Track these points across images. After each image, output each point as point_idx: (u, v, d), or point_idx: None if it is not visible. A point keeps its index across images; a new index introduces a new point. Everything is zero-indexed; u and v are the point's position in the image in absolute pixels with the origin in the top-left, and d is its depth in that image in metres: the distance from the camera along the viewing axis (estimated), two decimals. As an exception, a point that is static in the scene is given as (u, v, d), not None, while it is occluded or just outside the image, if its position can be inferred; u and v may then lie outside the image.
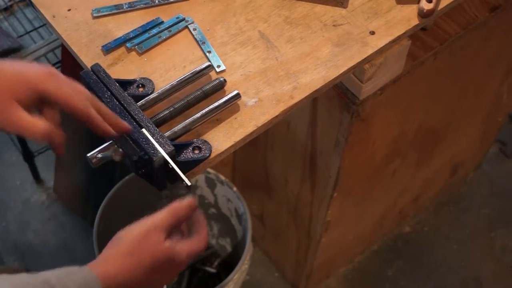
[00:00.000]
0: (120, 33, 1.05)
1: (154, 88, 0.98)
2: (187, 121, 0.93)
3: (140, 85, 0.97)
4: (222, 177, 1.66)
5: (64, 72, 1.82)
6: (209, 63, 1.00)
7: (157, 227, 0.81)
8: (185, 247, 0.84)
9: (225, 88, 0.99)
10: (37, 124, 0.75)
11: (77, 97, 0.78)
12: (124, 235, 0.81)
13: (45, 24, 1.65)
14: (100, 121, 0.81)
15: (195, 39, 1.05)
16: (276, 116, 0.97)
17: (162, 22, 1.07)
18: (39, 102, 0.77)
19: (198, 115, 0.94)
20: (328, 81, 1.01)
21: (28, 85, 0.75)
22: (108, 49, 1.03)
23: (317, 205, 1.54)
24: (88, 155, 0.87)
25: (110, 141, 0.89)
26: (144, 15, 1.08)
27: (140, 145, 0.87)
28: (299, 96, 0.99)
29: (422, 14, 1.08)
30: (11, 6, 2.24)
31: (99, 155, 0.87)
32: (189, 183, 0.87)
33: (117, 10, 1.08)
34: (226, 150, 0.94)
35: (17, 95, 0.74)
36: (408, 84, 1.28)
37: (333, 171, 1.38)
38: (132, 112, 0.90)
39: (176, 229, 0.85)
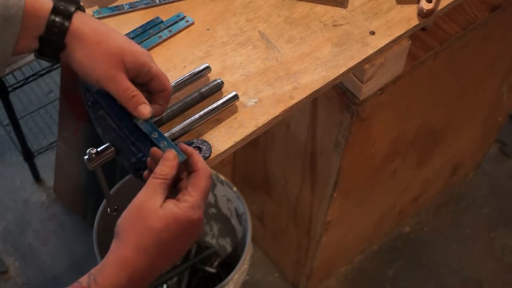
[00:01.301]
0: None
1: (154, 89, 0.98)
2: (186, 121, 0.93)
3: (140, 86, 0.97)
4: (222, 177, 1.66)
5: (64, 72, 1.81)
6: (207, 64, 1.00)
7: (147, 196, 0.78)
8: (187, 200, 0.79)
9: (225, 88, 0.99)
10: (132, 91, 0.86)
11: (166, 76, 0.90)
12: (119, 222, 0.78)
13: (45, 24, 1.65)
14: (166, 105, 0.91)
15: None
16: (276, 117, 0.97)
17: (162, 22, 1.07)
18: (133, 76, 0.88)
19: (197, 116, 0.94)
20: (328, 81, 1.01)
21: (134, 55, 0.86)
22: (108, 49, 1.03)
23: (317, 205, 1.54)
24: (85, 157, 0.87)
25: (108, 143, 0.88)
26: (144, 15, 1.08)
27: (138, 146, 0.87)
28: (299, 96, 0.99)
29: (422, 14, 1.08)
30: (11, 6, 2.24)
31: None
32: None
33: (118, 11, 1.08)
34: (226, 150, 0.94)
35: (125, 62, 0.85)
36: (408, 84, 1.28)
37: (333, 171, 1.38)
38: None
39: (173, 188, 0.81)
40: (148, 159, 0.85)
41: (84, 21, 0.85)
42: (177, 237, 0.78)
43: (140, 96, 0.86)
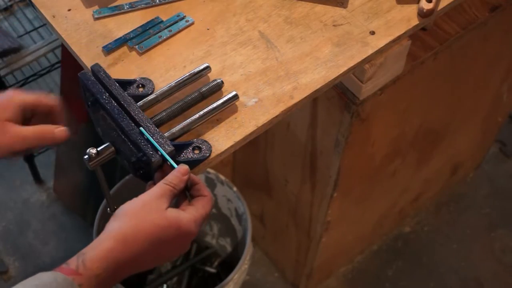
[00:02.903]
0: (120, 33, 1.05)
1: (154, 88, 0.98)
2: (186, 121, 0.93)
3: (140, 85, 0.97)
4: (222, 177, 1.66)
5: (64, 72, 1.82)
6: (207, 64, 1.00)
7: (156, 196, 0.81)
8: (191, 213, 0.82)
9: (225, 88, 0.99)
10: (27, 132, 0.89)
11: (44, 96, 0.93)
12: (123, 207, 0.81)
13: (45, 24, 1.65)
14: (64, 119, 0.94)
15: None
16: (276, 116, 0.97)
17: (162, 21, 1.07)
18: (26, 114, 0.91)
19: (197, 116, 0.94)
20: (328, 81, 1.01)
21: (10, 102, 0.88)
22: (108, 49, 1.03)
23: (317, 205, 1.54)
24: (85, 157, 0.87)
25: (108, 143, 0.88)
26: (144, 15, 1.08)
27: (138, 146, 0.87)
28: (299, 96, 0.99)
29: (422, 14, 1.08)
30: (11, 6, 2.24)
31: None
32: (188, 183, 0.87)
33: (118, 11, 1.08)
34: (226, 150, 0.94)
35: (7, 115, 0.87)
36: (408, 84, 1.28)
37: (333, 171, 1.39)
38: (132, 112, 0.90)
39: (177, 198, 0.85)
40: None
41: None
42: (171, 242, 0.81)
43: (44, 128, 0.90)
